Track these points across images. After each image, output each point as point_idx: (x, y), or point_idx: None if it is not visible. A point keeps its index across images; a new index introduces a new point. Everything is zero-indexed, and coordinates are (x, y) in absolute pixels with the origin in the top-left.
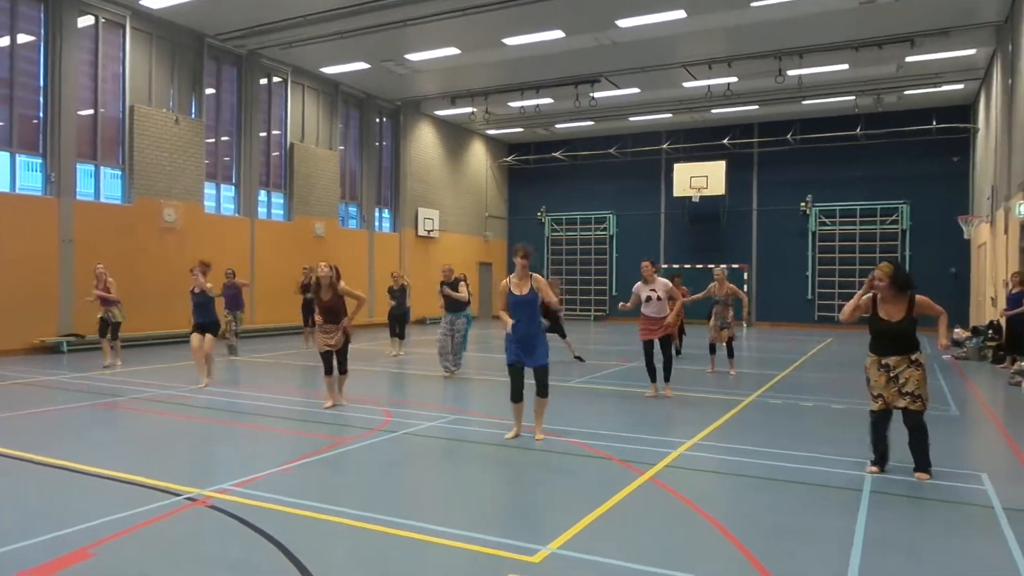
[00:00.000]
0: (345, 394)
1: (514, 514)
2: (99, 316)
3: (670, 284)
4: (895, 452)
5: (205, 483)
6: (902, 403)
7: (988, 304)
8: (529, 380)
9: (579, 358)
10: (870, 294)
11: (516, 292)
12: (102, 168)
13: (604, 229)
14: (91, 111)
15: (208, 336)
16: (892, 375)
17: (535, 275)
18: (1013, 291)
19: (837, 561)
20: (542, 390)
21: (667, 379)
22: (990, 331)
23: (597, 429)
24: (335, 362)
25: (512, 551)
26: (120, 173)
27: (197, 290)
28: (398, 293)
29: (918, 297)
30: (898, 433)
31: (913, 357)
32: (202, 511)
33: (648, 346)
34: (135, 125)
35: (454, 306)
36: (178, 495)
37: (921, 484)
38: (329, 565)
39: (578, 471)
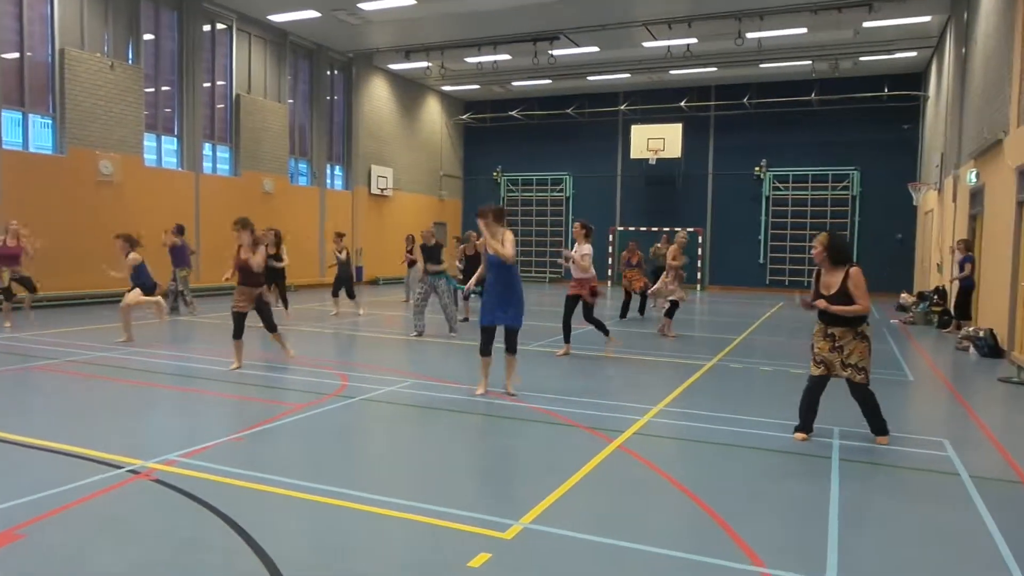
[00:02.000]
0: (289, 351)
1: (482, 486)
2: (12, 278)
3: (588, 247)
4: (855, 418)
5: (149, 454)
6: (844, 373)
7: (934, 270)
8: (498, 341)
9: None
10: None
11: (489, 251)
12: (30, 116)
13: (560, 190)
14: (16, 54)
15: (136, 292)
16: (837, 344)
17: (506, 231)
18: (959, 257)
19: (815, 531)
20: (512, 348)
21: (606, 332)
22: (935, 296)
23: (560, 394)
24: (260, 322)
25: (482, 526)
26: (51, 122)
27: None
28: (342, 262)
29: (852, 271)
30: (851, 400)
31: (859, 329)
32: (146, 485)
33: (571, 302)
34: (66, 70)
35: (434, 263)
36: (119, 467)
37: (887, 451)
38: (284, 543)
39: (545, 439)
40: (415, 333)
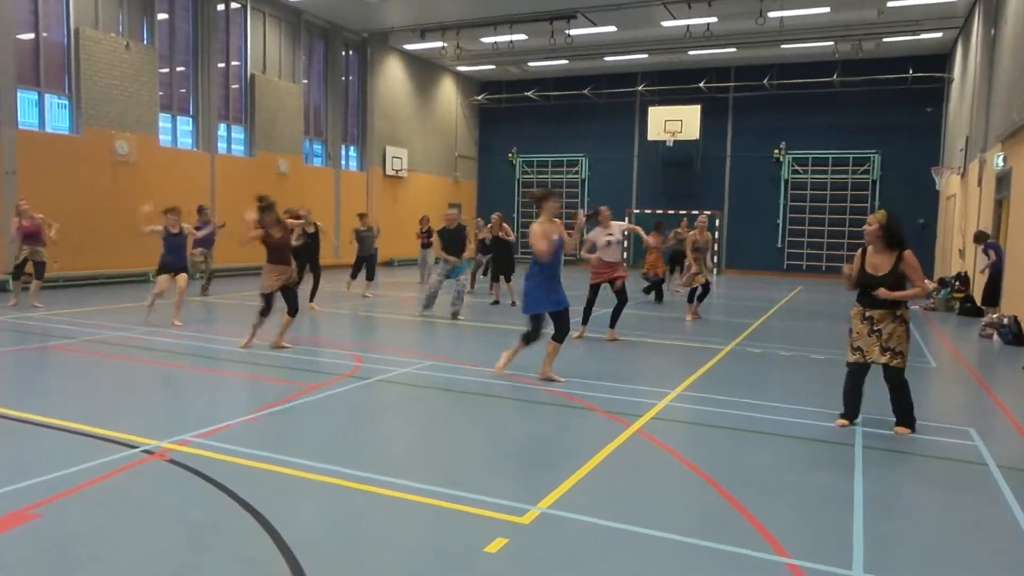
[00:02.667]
0: (284, 337)
1: (499, 470)
2: (23, 257)
3: (625, 224)
4: (881, 406)
5: (164, 434)
6: (883, 359)
7: (956, 256)
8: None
9: (514, 303)
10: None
11: (554, 236)
12: (47, 96)
13: (576, 172)
14: (32, 35)
15: (183, 276)
16: (875, 328)
17: (556, 221)
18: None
19: (840, 522)
20: (563, 335)
21: (612, 324)
22: (957, 283)
23: (576, 377)
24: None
25: (499, 511)
26: (67, 102)
27: (175, 230)
28: (366, 235)
29: (907, 254)
30: (882, 387)
31: (898, 313)
32: (160, 465)
33: (594, 290)
34: (81, 49)
35: (456, 251)
36: (134, 447)
37: (912, 440)
38: (299, 526)
39: (562, 422)
40: (425, 309)
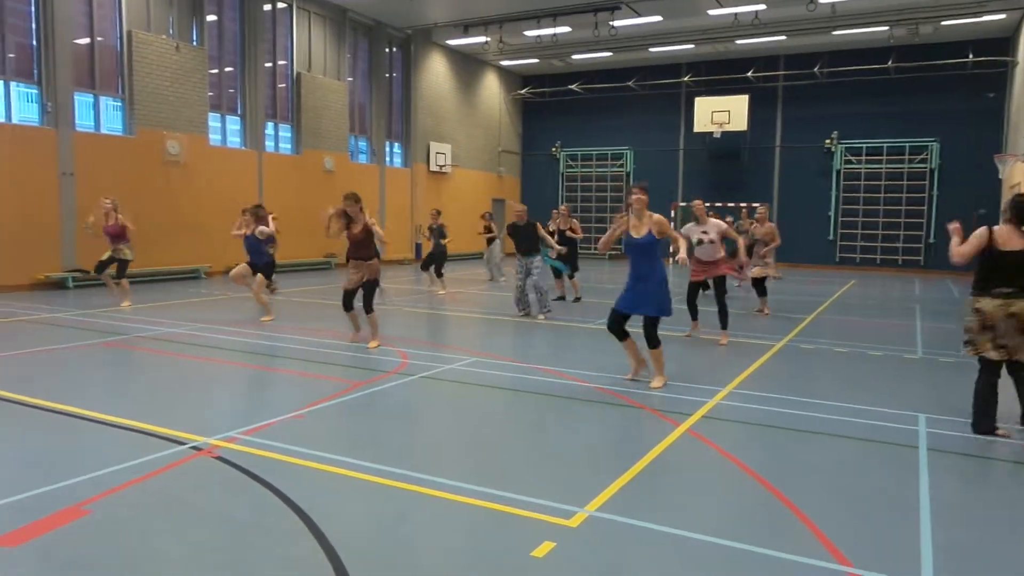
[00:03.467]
0: (378, 337)
1: (545, 470)
2: (107, 254)
3: (724, 225)
4: (942, 404)
5: (211, 431)
6: None
7: None
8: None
9: (578, 298)
10: (983, 228)
11: (633, 234)
12: (101, 98)
13: (621, 165)
14: (87, 39)
15: (259, 276)
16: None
17: (654, 215)
18: None
19: (907, 529)
20: (652, 341)
21: (723, 325)
22: None
23: (624, 374)
24: (362, 301)
25: (546, 513)
26: (120, 104)
27: (247, 232)
28: (436, 232)
29: None
30: (941, 387)
31: None
32: (208, 462)
33: (695, 287)
34: (134, 52)
35: (528, 248)
36: (183, 444)
37: (981, 442)
38: (343, 526)
39: (609, 421)
40: (522, 313)
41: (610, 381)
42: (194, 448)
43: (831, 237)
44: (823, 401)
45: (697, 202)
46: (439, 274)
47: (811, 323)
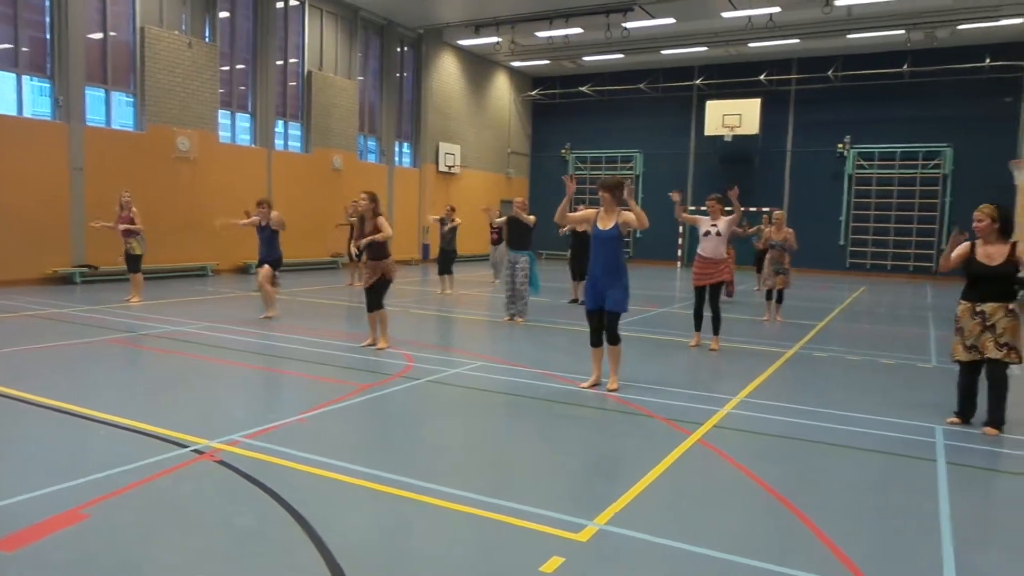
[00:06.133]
0: (387, 337)
1: (553, 480)
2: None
3: (732, 221)
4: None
5: (214, 433)
6: (997, 354)
7: None
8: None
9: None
10: (966, 242)
11: (600, 226)
12: (113, 93)
13: (631, 168)
14: (100, 34)
15: (266, 268)
16: (988, 324)
17: (624, 212)
18: None
19: (927, 550)
20: (612, 337)
21: (716, 331)
22: None
23: (632, 381)
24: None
25: (554, 525)
26: (132, 99)
27: (263, 223)
28: (448, 230)
29: (1021, 245)
30: (952, 394)
31: (1010, 306)
32: (209, 466)
33: (700, 293)
34: (146, 47)
35: (517, 243)
36: (184, 447)
37: (1000, 455)
38: (346, 535)
39: (618, 430)
40: (506, 318)
41: (621, 389)
42: (196, 451)
43: (842, 242)
44: (837, 411)
45: (711, 200)
46: (448, 271)
47: (822, 330)
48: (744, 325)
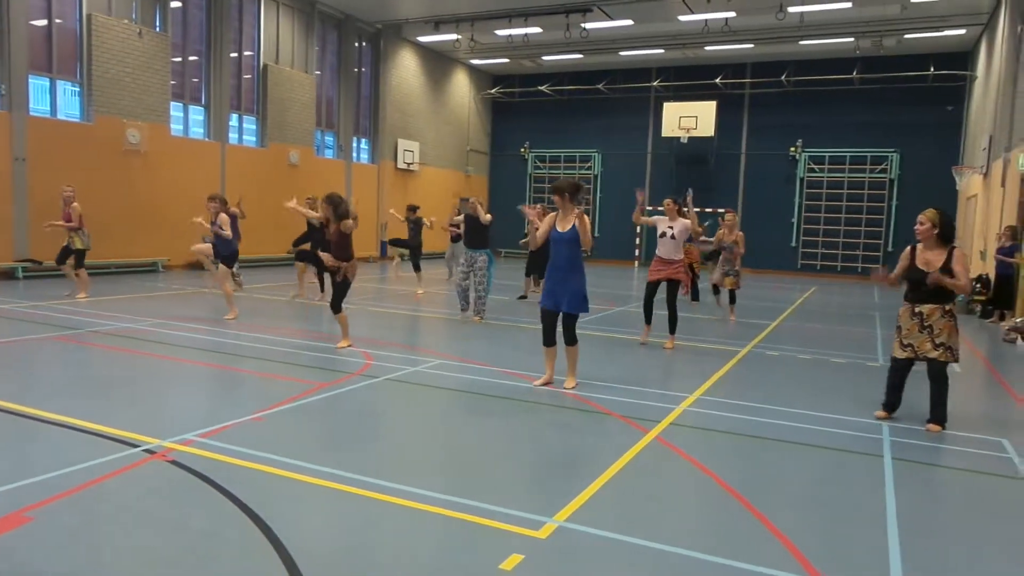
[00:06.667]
0: (347, 336)
1: (512, 477)
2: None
3: (689, 224)
4: (905, 413)
5: (166, 432)
6: (933, 354)
7: (977, 257)
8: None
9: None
10: (907, 247)
11: (559, 228)
12: (59, 82)
13: (589, 168)
14: (44, 21)
15: (222, 266)
16: (926, 324)
17: (581, 213)
18: (1005, 244)
19: (874, 542)
20: (569, 338)
21: (672, 330)
22: (978, 285)
23: (590, 379)
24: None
25: (514, 523)
26: (78, 89)
27: (214, 220)
28: (412, 227)
29: (957, 251)
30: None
31: (947, 308)
32: (161, 466)
33: (652, 287)
34: (93, 36)
35: (474, 242)
36: (135, 446)
37: (944, 451)
38: (305, 537)
39: (577, 427)
40: (464, 312)
41: (579, 387)
42: (147, 451)
43: (793, 244)
44: (789, 409)
45: (667, 201)
46: (416, 268)
47: (774, 329)
48: (699, 324)
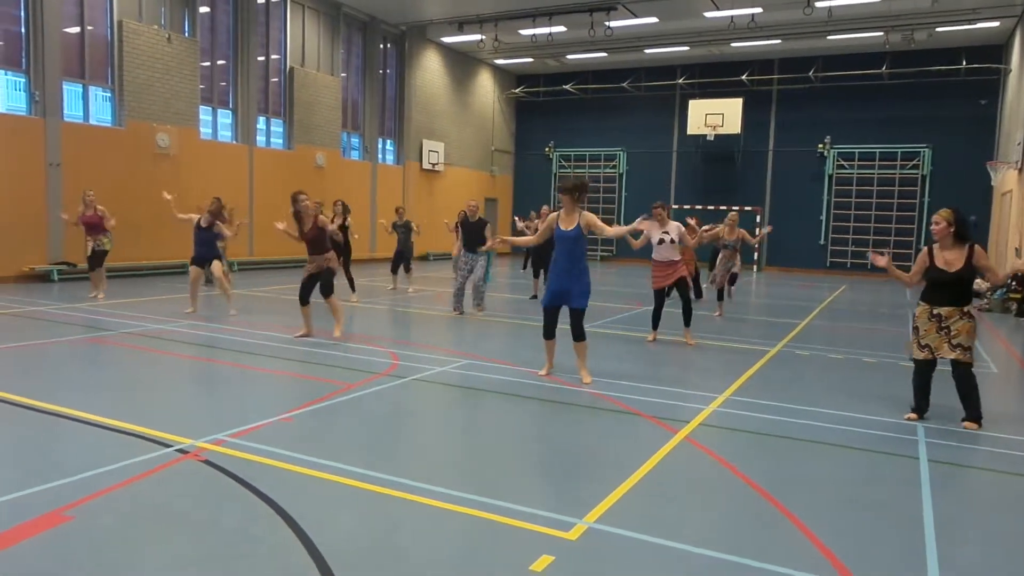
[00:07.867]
0: (340, 325)
1: (542, 478)
2: (91, 247)
3: (683, 228)
4: (939, 414)
5: (198, 432)
6: (951, 355)
7: (1012, 254)
8: (564, 324)
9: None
10: (924, 248)
11: (562, 227)
12: (91, 88)
13: (614, 167)
14: (77, 28)
15: (217, 262)
16: (943, 325)
17: (586, 212)
18: None
19: (910, 546)
20: (578, 334)
21: (687, 324)
22: (1013, 283)
23: (618, 379)
24: (319, 288)
25: (544, 524)
26: (110, 94)
27: (205, 224)
28: (402, 229)
29: (978, 248)
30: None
31: (965, 309)
32: (194, 466)
33: (659, 295)
34: (124, 42)
35: (473, 244)
36: (168, 446)
37: (982, 453)
38: (335, 536)
39: (606, 428)
40: (456, 312)
41: (605, 386)
42: (180, 451)
43: (822, 241)
44: (821, 409)
45: (656, 209)
46: (408, 270)
47: (805, 328)
48: (731, 324)
